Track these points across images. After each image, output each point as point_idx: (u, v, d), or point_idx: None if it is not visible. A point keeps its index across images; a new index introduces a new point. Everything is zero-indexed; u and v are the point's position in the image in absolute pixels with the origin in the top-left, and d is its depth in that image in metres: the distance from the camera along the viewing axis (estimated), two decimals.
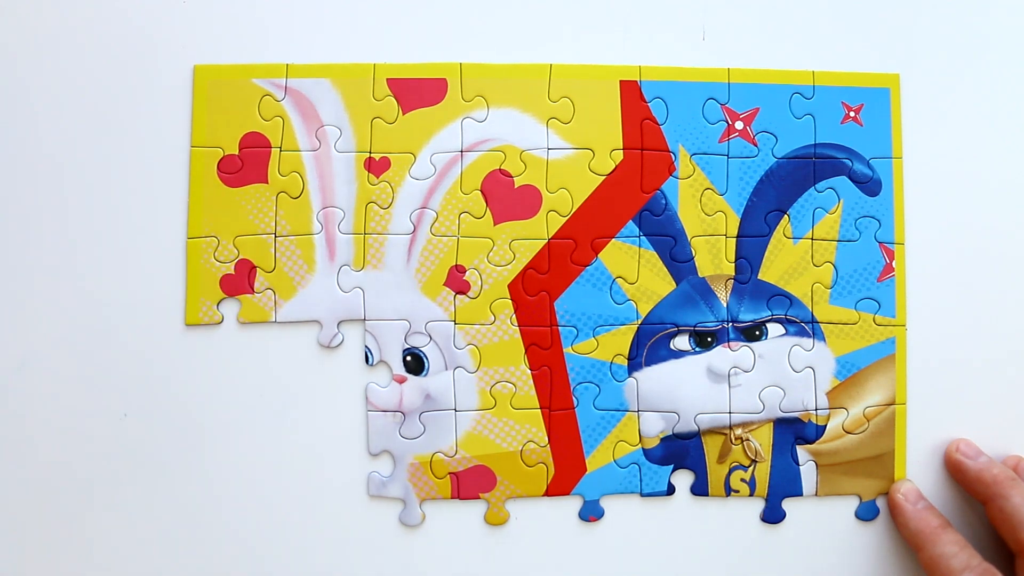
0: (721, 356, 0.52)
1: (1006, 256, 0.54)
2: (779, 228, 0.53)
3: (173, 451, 0.51)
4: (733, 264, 0.53)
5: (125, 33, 0.52)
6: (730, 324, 0.53)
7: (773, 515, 0.52)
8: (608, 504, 0.52)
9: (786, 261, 0.53)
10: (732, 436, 0.52)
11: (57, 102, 0.51)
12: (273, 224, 0.51)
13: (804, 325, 0.53)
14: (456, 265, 0.52)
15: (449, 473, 0.51)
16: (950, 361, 0.53)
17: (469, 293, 0.52)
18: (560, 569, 0.52)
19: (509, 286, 0.52)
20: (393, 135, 0.52)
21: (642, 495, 0.52)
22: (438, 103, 0.52)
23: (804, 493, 0.53)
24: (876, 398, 0.53)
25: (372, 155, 0.52)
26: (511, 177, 0.52)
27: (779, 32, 0.54)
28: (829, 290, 0.53)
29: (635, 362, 0.52)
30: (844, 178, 0.53)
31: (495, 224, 0.52)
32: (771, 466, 0.52)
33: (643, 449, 0.52)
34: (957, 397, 0.53)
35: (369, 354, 0.51)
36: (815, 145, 0.53)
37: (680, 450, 0.52)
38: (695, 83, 0.53)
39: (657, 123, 0.53)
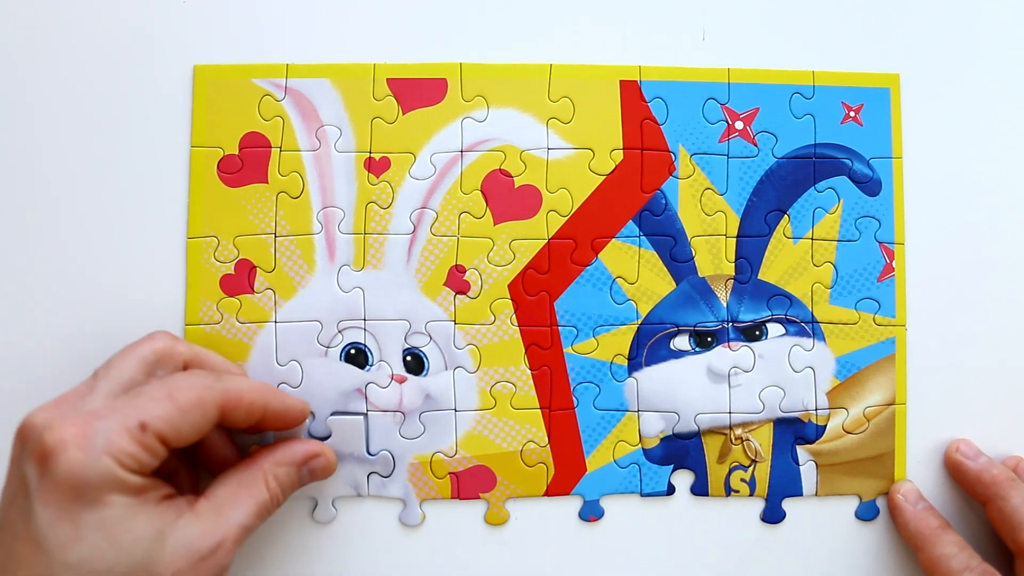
0: (721, 356, 0.52)
1: (1006, 256, 0.54)
2: (779, 228, 0.53)
3: None
4: (733, 264, 0.53)
5: (125, 33, 0.51)
6: (730, 324, 0.53)
7: (773, 515, 0.52)
8: (608, 504, 0.52)
9: (786, 261, 0.53)
10: (732, 436, 0.52)
11: (57, 102, 0.51)
12: (273, 224, 0.51)
13: (804, 325, 0.53)
14: (456, 265, 0.52)
15: (449, 473, 0.51)
16: (950, 361, 0.53)
17: (469, 293, 0.52)
18: (560, 569, 0.52)
19: (509, 286, 0.52)
20: (393, 135, 0.52)
21: (642, 495, 0.52)
22: (438, 103, 0.52)
23: (804, 493, 0.52)
24: (876, 398, 0.53)
25: (372, 155, 0.52)
26: (511, 177, 0.52)
27: (779, 32, 0.54)
28: (829, 290, 0.53)
29: (635, 362, 0.52)
30: (844, 178, 0.53)
31: (495, 224, 0.52)
32: (771, 466, 0.52)
33: (643, 449, 0.52)
34: (957, 397, 0.53)
35: (369, 354, 0.51)
36: (815, 145, 0.53)
37: (680, 450, 0.52)
38: (695, 83, 0.53)
39: (657, 123, 0.53)
